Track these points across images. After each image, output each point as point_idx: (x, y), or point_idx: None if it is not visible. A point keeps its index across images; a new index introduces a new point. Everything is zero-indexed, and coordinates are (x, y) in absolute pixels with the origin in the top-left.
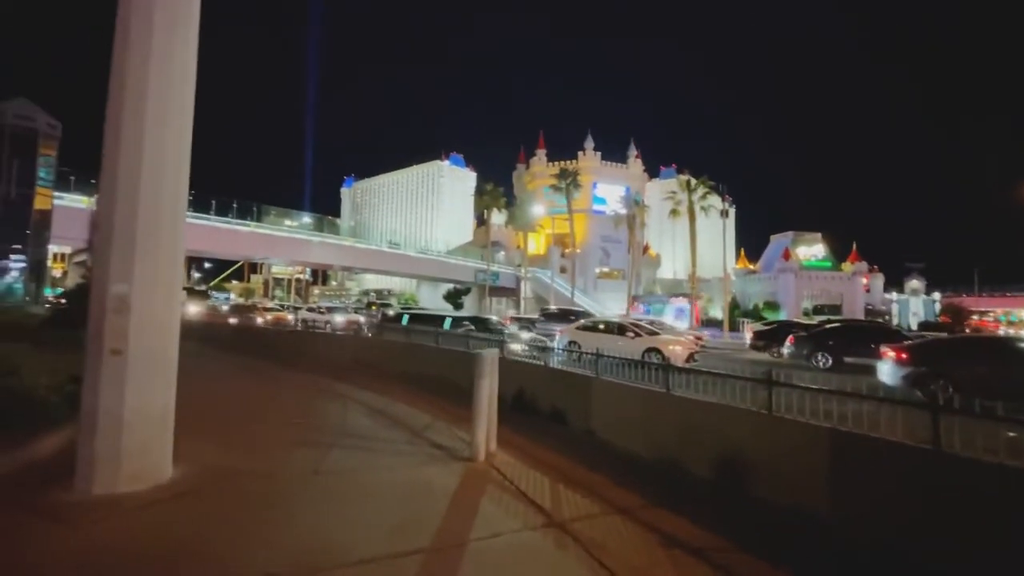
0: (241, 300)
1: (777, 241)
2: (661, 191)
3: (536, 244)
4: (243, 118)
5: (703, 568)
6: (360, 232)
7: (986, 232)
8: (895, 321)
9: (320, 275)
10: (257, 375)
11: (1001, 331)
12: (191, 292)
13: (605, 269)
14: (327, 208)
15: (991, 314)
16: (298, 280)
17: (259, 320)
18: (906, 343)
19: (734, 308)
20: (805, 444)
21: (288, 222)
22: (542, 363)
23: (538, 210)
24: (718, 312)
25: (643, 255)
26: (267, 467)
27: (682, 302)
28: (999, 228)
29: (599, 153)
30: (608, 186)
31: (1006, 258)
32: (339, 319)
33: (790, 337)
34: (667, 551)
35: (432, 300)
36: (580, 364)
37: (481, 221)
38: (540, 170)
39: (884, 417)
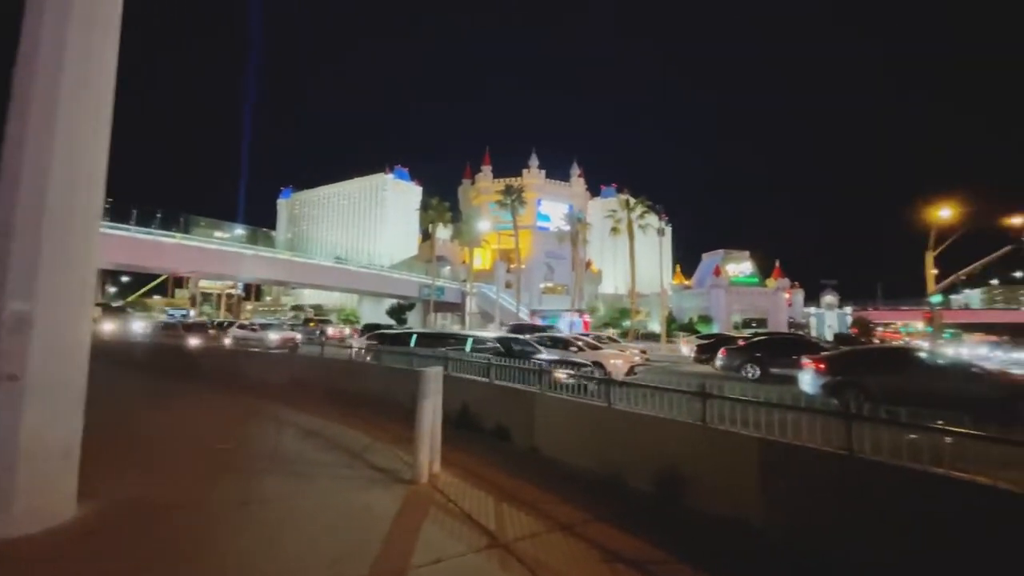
0: (206, 318)
1: (709, 258)
2: (602, 209)
3: (482, 259)
4: (172, 124)
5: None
6: (298, 245)
7: (889, 251)
8: (813, 333)
9: (253, 290)
10: (182, 398)
11: (904, 341)
12: (107, 309)
13: (549, 284)
14: (262, 221)
15: (892, 325)
16: (229, 295)
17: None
18: (824, 354)
19: (671, 322)
20: (737, 454)
21: (219, 234)
22: (487, 380)
23: (484, 225)
24: (656, 326)
25: (586, 271)
26: (188, 498)
27: (574, 316)
28: (899, 248)
29: (543, 171)
30: (552, 203)
31: (904, 275)
32: (274, 336)
33: (722, 349)
34: (609, 566)
35: (374, 316)
36: (525, 380)
37: (426, 236)
38: (486, 186)
39: (806, 425)
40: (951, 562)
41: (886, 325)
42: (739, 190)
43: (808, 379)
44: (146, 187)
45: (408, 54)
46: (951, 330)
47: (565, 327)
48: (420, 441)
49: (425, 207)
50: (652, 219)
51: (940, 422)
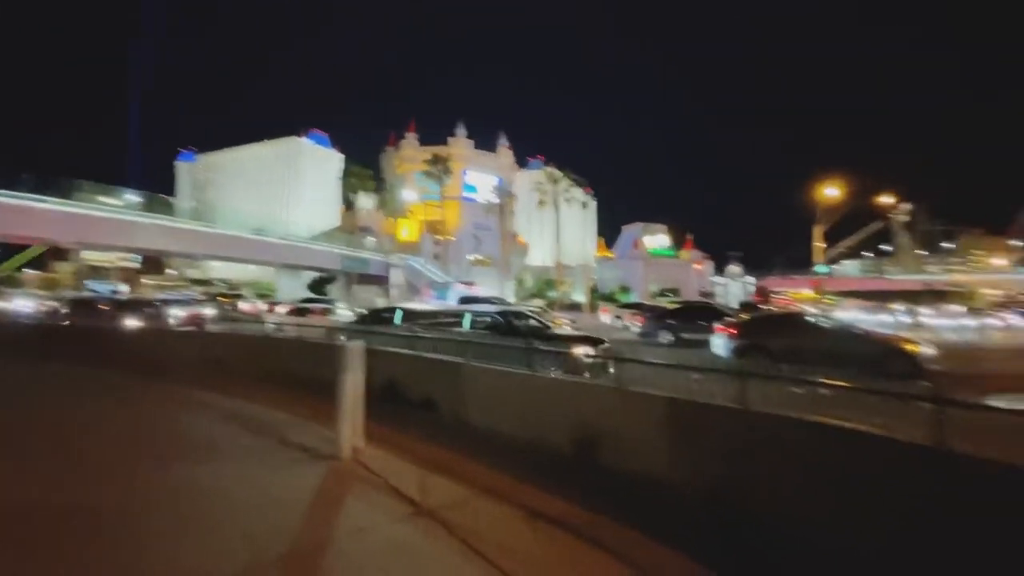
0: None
1: (628, 231)
2: (529, 182)
3: (408, 230)
4: (52, 78)
5: (563, 535)
6: (205, 214)
7: (787, 225)
8: (721, 301)
9: (153, 263)
10: (77, 384)
11: (804, 307)
12: None
13: (478, 256)
14: (158, 188)
15: (788, 293)
16: (124, 268)
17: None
18: (734, 320)
19: (594, 292)
20: (647, 413)
21: (107, 200)
22: (412, 352)
23: (409, 195)
24: (580, 296)
25: (513, 243)
26: (87, 499)
27: (462, 288)
28: (795, 222)
29: (471, 141)
30: (479, 174)
31: (799, 247)
32: (178, 313)
33: (639, 318)
34: (531, 524)
35: (292, 289)
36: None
37: (349, 205)
38: (411, 154)
39: (709, 385)
40: (834, 496)
41: (783, 293)
42: (657, 165)
43: (720, 343)
44: (20, 148)
45: (327, 16)
46: (832, 296)
47: (453, 299)
48: (342, 417)
49: (347, 175)
50: (577, 193)
51: (824, 378)
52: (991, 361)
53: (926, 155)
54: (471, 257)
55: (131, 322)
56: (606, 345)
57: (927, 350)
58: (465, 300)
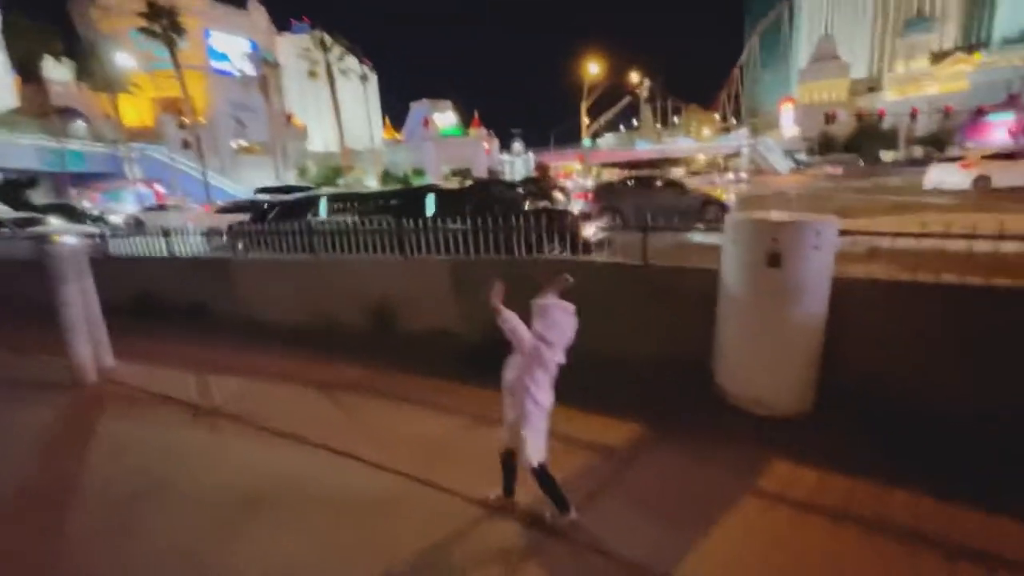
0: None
1: (416, 109)
2: (294, 49)
3: (138, 112)
4: None
5: (356, 393)
6: None
7: (559, 101)
8: (508, 177)
9: None
10: None
11: (564, 179)
12: None
13: (243, 143)
14: None
15: (562, 167)
16: None
17: None
18: (591, 187)
19: (386, 177)
20: (435, 277)
21: None
22: (166, 254)
23: (124, 61)
24: (373, 183)
25: (287, 125)
26: None
27: (143, 187)
28: (567, 98)
29: None
30: (227, 37)
31: (571, 122)
32: None
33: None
34: (328, 392)
35: None
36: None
37: (27, 76)
38: (118, 2)
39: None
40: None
41: (558, 167)
42: (439, 39)
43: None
44: None
45: None
46: (596, 166)
47: (132, 201)
48: (74, 338)
49: (12, 31)
50: (353, 63)
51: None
52: (769, 204)
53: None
54: (235, 144)
55: None
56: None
57: (730, 199)
58: (263, 191)
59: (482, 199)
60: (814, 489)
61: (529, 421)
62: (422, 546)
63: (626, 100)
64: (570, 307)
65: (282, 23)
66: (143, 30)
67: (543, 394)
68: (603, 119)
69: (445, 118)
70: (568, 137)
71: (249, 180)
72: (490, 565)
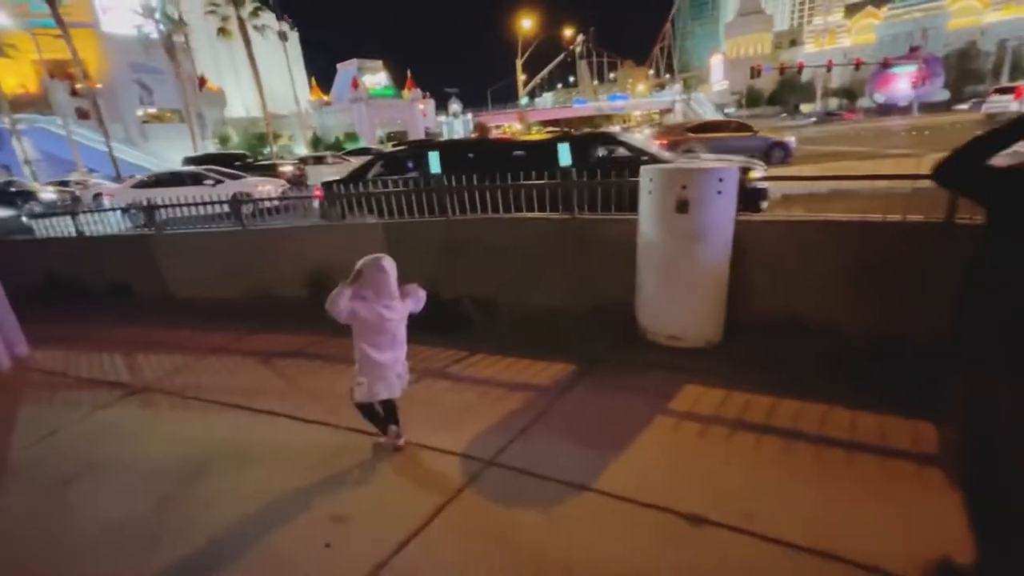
0: None
1: (344, 70)
2: (201, 4)
3: (20, 78)
4: None
5: (299, 360)
6: None
7: (494, 59)
8: (446, 138)
9: None
10: None
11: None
12: None
13: (151, 110)
14: None
15: (501, 127)
16: None
17: None
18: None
19: (316, 143)
20: (368, 238)
21: None
22: (73, 233)
23: None
24: (302, 150)
25: (202, 89)
26: None
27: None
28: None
29: None
30: None
31: (505, 80)
32: None
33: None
34: (267, 361)
35: None
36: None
37: None
38: None
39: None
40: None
41: (498, 127)
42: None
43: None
44: None
45: None
46: (535, 125)
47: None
48: None
49: None
50: (270, 19)
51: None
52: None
53: None
54: (141, 112)
55: None
56: None
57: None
58: (191, 161)
59: (607, 151)
60: (717, 406)
61: (357, 367)
62: (367, 484)
63: (562, 56)
64: (378, 260)
65: None
66: None
67: (365, 347)
68: (540, 77)
69: (376, 79)
70: (506, 96)
71: (162, 151)
72: (434, 494)
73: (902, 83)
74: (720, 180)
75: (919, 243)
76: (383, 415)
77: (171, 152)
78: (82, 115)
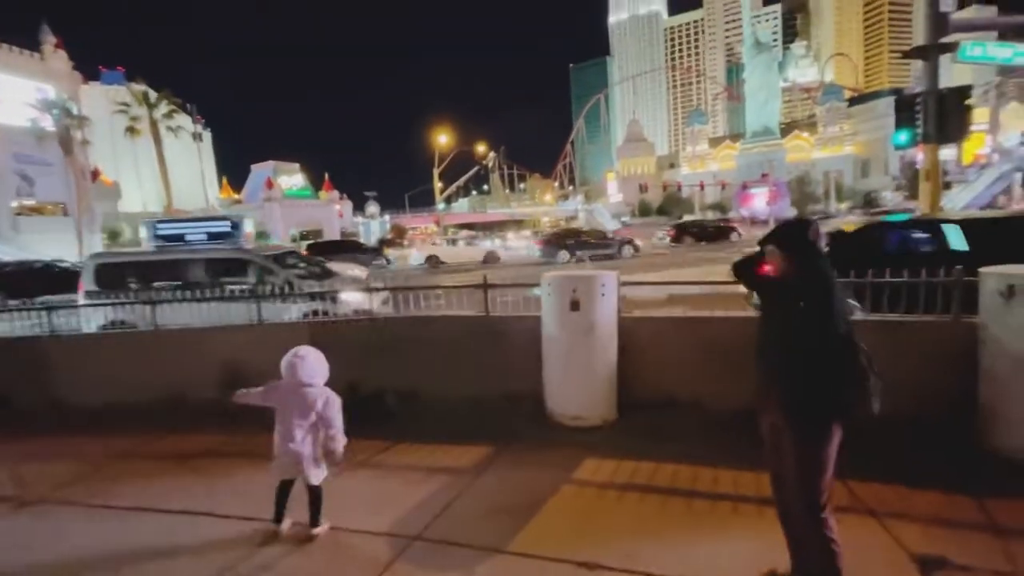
0: None
1: (259, 171)
2: (106, 101)
3: None
4: None
5: (215, 458)
6: None
7: (413, 165)
8: (362, 239)
9: None
10: None
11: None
12: None
13: (29, 202)
14: None
15: (418, 228)
16: None
17: None
18: (544, 234)
19: None
20: (289, 340)
21: None
22: None
23: None
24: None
25: (93, 182)
26: None
27: None
28: (420, 162)
29: None
30: (14, 80)
31: (422, 185)
32: None
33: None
34: (182, 461)
35: None
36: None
37: None
38: None
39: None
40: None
41: (413, 229)
42: (281, 102)
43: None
44: None
45: None
46: (452, 227)
47: None
48: None
49: None
50: (184, 121)
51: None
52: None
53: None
54: (15, 203)
55: None
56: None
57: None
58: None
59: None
60: (611, 474)
61: None
62: (301, 570)
63: (475, 169)
64: (301, 352)
65: (89, 71)
66: None
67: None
68: (456, 185)
69: (292, 180)
70: (423, 201)
71: (39, 246)
72: (366, 570)
73: (759, 200)
74: (603, 284)
75: (746, 331)
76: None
77: (46, 246)
78: None
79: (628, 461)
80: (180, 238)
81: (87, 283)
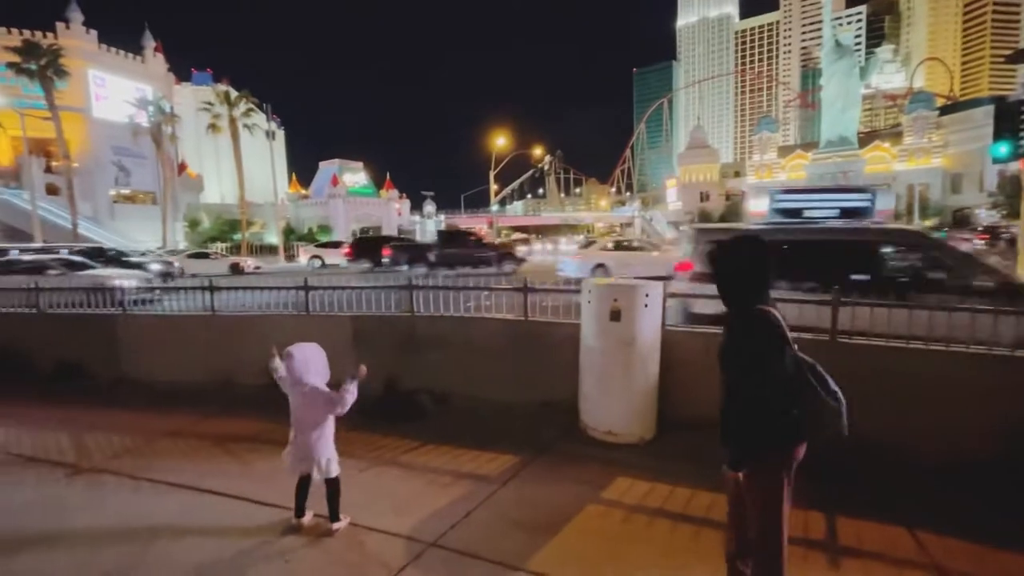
0: None
1: (325, 168)
2: (195, 100)
3: None
4: None
5: (252, 444)
6: None
7: (470, 168)
8: (418, 237)
9: None
10: None
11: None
12: None
13: (125, 191)
14: None
15: (472, 228)
16: None
17: None
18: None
19: (289, 233)
20: (336, 331)
21: None
22: (34, 309)
23: None
24: (274, 238)
25: (179, 175)
26: None
27: None
28: (478, 165)
29: (94, 32)
30: (117, 80)
31: (478, 186)
32: None
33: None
34: (222, 446)
35: None
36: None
37: None
38: None
39: (383, 299)
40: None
41: (471, 228)
42: (353, 103)
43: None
44: None
45: None
46: (506, 230)
47: None
48: None
49: None
50: (260, 119)
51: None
52: None
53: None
54: (113, 192)
55: None
56: None
57: None
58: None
59: None
60: (642, 497)
61: None
62: (312, 562)
63: (531, 171)
64: (291, 350)
65: (182, 73)
66: (13, 66)
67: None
68: (511, 188)
69: (356, 178)
70: (479, 201)
71: (128, 231)
72: (378, 572)
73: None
74: (647, 295)
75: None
76: (303, 494)
77: (137, 232)
78: (51, 191)
79: (663, 484)
80: (798, 213)
81: (696, 264)
